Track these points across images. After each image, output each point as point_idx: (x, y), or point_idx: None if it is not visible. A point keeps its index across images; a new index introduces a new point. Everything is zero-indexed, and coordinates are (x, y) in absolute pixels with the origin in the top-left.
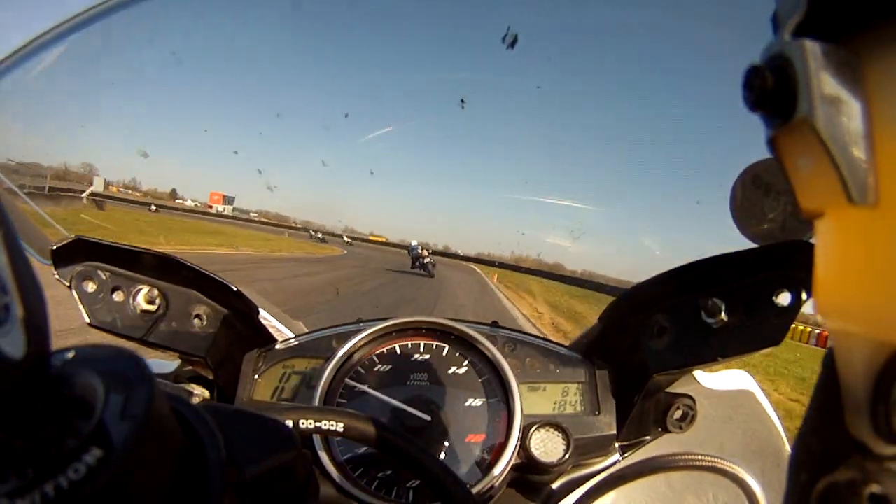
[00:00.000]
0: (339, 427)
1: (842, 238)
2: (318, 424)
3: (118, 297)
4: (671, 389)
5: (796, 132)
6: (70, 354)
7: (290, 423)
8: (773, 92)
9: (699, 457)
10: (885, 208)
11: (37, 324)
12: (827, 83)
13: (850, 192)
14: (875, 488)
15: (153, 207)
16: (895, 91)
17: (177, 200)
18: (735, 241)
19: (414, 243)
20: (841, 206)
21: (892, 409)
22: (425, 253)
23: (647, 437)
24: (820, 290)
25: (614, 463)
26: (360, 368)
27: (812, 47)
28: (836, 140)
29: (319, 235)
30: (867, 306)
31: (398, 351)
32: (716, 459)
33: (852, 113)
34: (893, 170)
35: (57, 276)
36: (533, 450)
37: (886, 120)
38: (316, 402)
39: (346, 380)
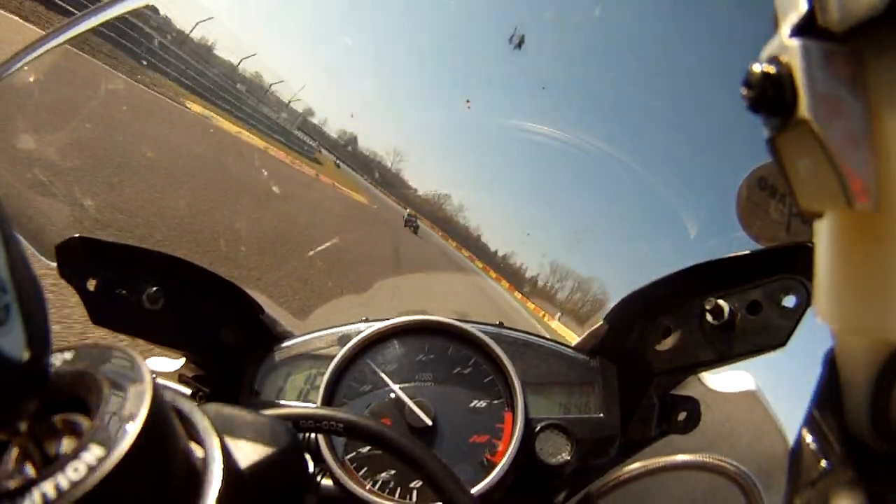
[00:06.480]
0: (340, 426)
1: (841, 239)
2: (318, 424)
3: (122, 295)
4: (676, 391)
5: (795, 133)
6: (70, 354)
7: (289, 422)
8: (772, 92)
9: (702, 459)
10: (885, 210)
11: (37, 324)
12: (826, 83)
13: (849, 194)
14: (875, 488)
15: None
16: (895, 91)
17: None
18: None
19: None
20: (840, 207)
21: (893, 409)
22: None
23: (651, 439)
24: (819, 290)
25: (617, 464)
26: (363, 368)
27: (811, 47)
28: (835, 141)
29: None
30: (866, 307)
31: (403, 350)
32: (718, 461)
33: (852, 114)
34: (893, 171)
35: (60, 275)
36: (537, 451)
37: (886, 121)
38: (319, 402)
39: (350, 379)
